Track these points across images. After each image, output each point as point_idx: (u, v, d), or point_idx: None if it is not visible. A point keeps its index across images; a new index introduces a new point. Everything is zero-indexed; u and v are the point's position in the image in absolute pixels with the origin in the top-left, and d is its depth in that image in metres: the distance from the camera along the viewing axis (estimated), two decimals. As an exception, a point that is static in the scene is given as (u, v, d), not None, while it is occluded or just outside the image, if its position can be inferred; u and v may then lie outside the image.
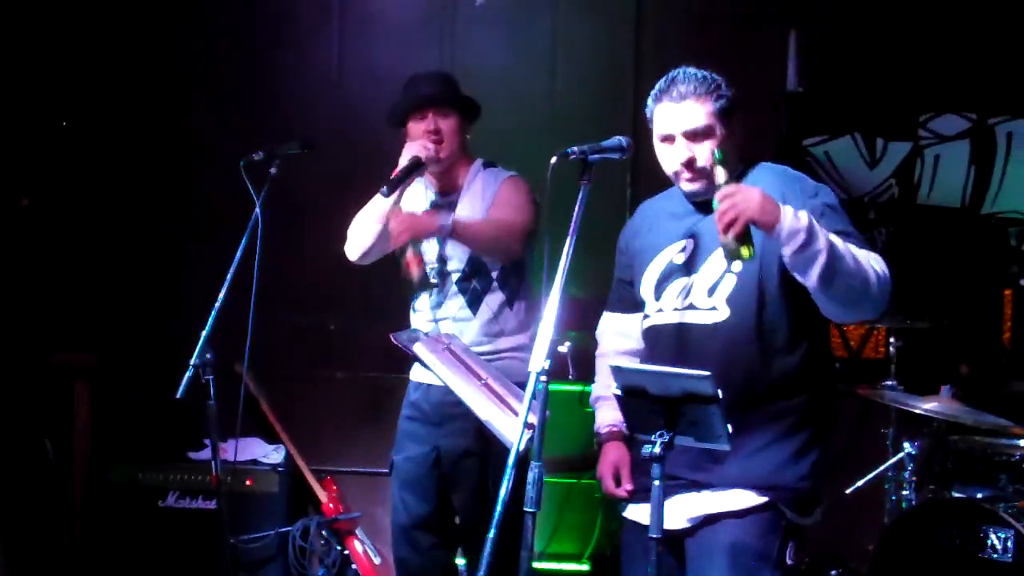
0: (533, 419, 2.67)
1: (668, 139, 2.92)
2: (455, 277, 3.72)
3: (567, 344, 2.84)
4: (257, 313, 3.66)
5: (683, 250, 2.95)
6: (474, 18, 5.53)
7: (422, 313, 3.79)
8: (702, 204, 2.93)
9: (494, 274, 3.72)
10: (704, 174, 2.88)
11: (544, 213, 3.59)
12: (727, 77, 2.98)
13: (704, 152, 2.88)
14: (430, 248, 3.77)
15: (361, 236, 3.76)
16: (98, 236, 5.39)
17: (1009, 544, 4.00)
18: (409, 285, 3.85)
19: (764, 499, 2.80)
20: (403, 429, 3.85)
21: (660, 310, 2.99)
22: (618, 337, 3.24)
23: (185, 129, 5.43)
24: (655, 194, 3.20)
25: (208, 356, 3.49)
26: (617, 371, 2.68)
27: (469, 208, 3.73)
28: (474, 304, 3.71)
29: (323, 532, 4.95)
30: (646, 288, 3.03)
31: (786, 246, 2.65)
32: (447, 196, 3.80)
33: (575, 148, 2.86)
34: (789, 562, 2.83)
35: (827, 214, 2.81)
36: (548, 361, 2.68)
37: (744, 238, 2.67)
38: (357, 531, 5.01)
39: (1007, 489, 4.31)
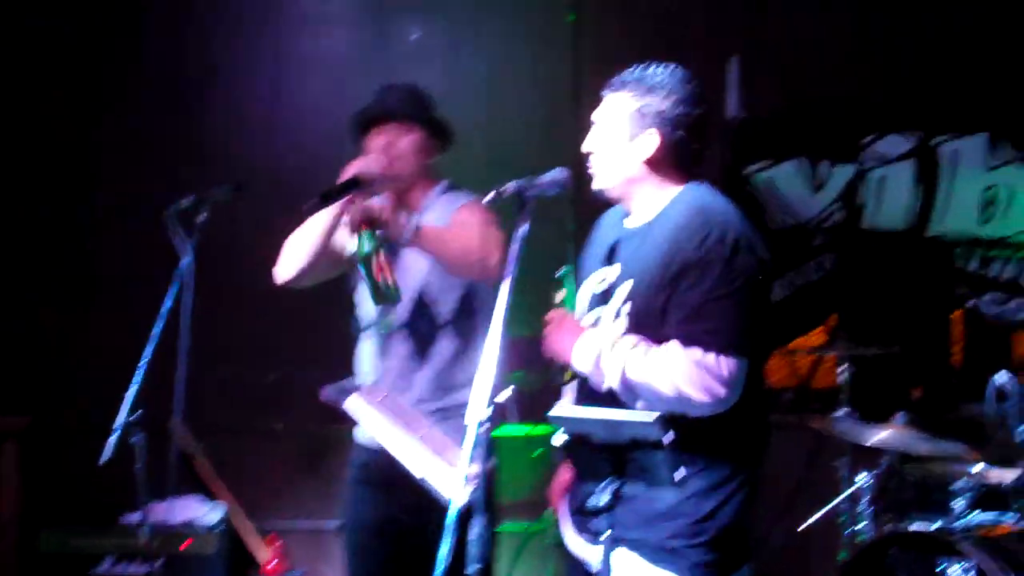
0: (474, 471, 2.53)
1: None
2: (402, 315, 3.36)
3: (510, 389, 2.71)
4: (191, 367, 3.48)
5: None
6: (409, 54, 5.43)
7: (366, 360, 3.46)
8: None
9: (445, 314, 3.35)
10: None
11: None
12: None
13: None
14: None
15: (295, 253, 3.43)
16: (28, 294, 5.20)
17: (972, 576, 3.93)
18: (355, 322, 3.52)
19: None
20: (354, 492, 3.47)
21: None
22: None
23: (111, 176, 5.26)
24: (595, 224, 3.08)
25: (135, 416, 3.31)
26: (560, 420, 2.55)
27: None
28: (423, 350, 3.35)
29: (265, 593, 4.78)
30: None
31: None
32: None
33: (510, 184, 2.72)
34: None
35: (689, 280, 2.58)
36: (490, 409, 2.56)
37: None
38: (301, 589, 4.85)
39: (965, 516, 4.23)
